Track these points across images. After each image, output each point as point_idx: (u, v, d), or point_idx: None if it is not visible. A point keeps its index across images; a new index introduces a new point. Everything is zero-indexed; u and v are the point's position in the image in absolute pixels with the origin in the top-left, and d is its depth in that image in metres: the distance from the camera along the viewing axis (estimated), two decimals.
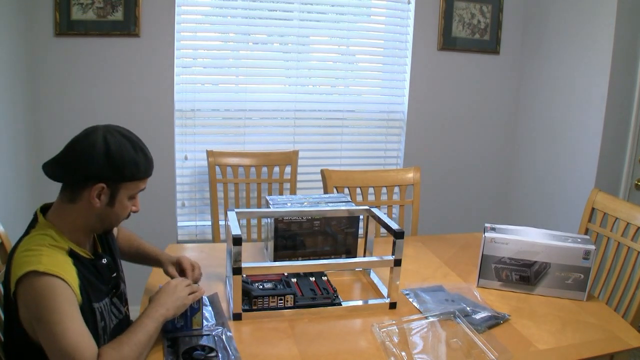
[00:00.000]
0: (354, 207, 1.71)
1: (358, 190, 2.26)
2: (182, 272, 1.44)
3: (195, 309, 1.26)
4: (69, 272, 1.10)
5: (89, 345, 1.04)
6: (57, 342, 1.02)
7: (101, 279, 1.23)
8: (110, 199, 1.17)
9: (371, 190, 2.31)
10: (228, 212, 1.50)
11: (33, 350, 1.10)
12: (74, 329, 1.03)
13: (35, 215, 1.19)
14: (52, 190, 1.25)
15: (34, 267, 1.04)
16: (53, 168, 1.15)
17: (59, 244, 1.13)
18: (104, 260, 1.26)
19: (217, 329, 1.27)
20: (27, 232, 1.16)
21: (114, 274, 1.29)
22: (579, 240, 1.58)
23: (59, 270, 1.07)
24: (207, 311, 1.36)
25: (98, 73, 2.48)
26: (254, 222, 2.58)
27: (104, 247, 1.32)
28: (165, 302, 1.20)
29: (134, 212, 1.26)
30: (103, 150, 1.13)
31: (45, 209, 1.20)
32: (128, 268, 1.55)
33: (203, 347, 1.18)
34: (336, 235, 1.72)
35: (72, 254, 1.14)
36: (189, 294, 1.25)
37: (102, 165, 1.13)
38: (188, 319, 1.25)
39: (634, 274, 1.69)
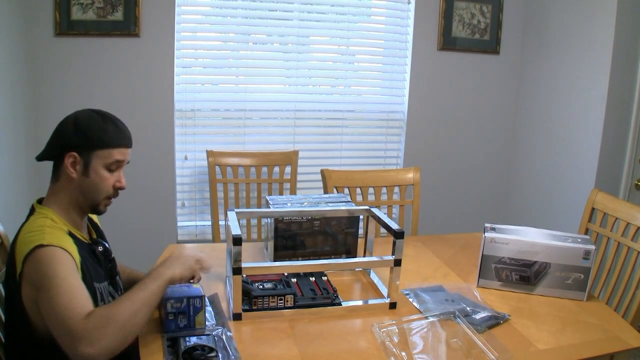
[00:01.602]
0: (354, 207, 1.71)
1: (358, 190, 2.26)
2: None
3: (197, 307, 1.26)
4: (71, 247, 1.13)
5: (81, 304, 1.03)
6: (50, 306, 1.03)
7: (99, 263, 1.26)
8: (85, 168, 1.21)
9: (371, 190, 2.31)
10: (228, 212, 1.50)
11: (33, 345, 1.10)
12: (69, 290, 1.04)
13: (32, 206, 1.24)
14: None
15: (39, 242, 1.08)
16: (41, 152, 1.24)
17: (59, 225, 1.17)
18: (100, 248, 1.29)
19: (217, 329, 1.27)
20: (26, 221, 1.20)
21: (110, 262, 1.32)
22: (579, 240, 1.58)
23: (61, 243, 1.10)
24: (207, 311, 1.36)
25: (98, 73, 2.48)
26: (254, 222, 2.58)
27: (98, 236, 1.36)
28: (171, 264, 1.20)
29: (119, 187, 1.28)
30: (72, 121, 1.22)
31: (41, 201, 1.25)
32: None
33: (203, 347, 1.18)
34: (336, 235, 1.72)
35: (71, 234, 1.19)
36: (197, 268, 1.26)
37: (71, 134, 1.20)
38: (191, 318, 1.25)
39: (634, 274, 1.69)
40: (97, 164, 1.22)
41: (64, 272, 1.06)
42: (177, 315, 1.23)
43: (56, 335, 1.02)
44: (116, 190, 1.28)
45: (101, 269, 1.26)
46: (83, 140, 1.20)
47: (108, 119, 1.24)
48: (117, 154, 1.25)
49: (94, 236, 1.34)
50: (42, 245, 1.07)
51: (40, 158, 1.24)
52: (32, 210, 1.23)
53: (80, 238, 1.23)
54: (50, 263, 1.06)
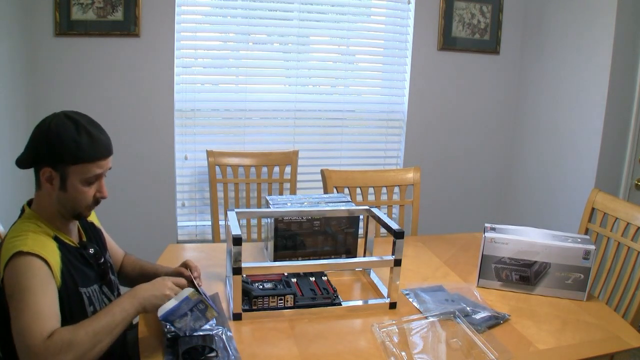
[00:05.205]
0: (354, 207, 1.71)
1: (358, 190, 2.26)
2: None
3: (203, 309, 1.26)
4: (52, 255, 1.12)
5: (44, 324, 1.01)
6: (15, 319, 1.02)
7: (88, 266, 1.24)
8: (62, 183, 1.16)
9: (371, 190, 2.31)
10: (228, 212, 1.50)
11: None
12: (33, 308, 1.02)
13: (23, 208, 1.23)
14: None
15: (20, 249, 1.07)
16: (20, 155, 1.19)
17: (45, 230, 1.16)
18: (91, 250, 1.28)
19: (217, 329, 1.27)
20: (15, 223, 1.20)
21: (101, 262, 1.30)
22: (579, 240, 1.58)
23: (41, 250, 1.09)
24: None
25: (98, 73, 2.48)
26: (254, 222, 2.58)
27: (90, 238, 1.34)
28: (141, 294, 1.15)
29: (101, 197, 1.23)
30: (44, 132, 1.14)
31: (31, 203, 1.24)
32: None
33: (203, 347, 1.18)
34: (336, 235, 1.72)
35: (57, 239, 1.17)
36: (171, 294, 1.19)
37: (43, 148, 1.13)
38: (202, 319, 1.25)
39: (634, 274, 1.69)
40: (74, 179, 1.16)
41: (35, 286, 1.05)
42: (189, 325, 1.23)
43: (17, 349, 1.01)
44: (97, 199, 1.23)
45: (91, 272, 1.24)
46: (56, 156, 1.13)
47: (82, 129, 1.15)
48: (95, 167, 1.17)
49: (84, 239, 1.31)
50: (21, 253, 1.06)
51: (20, 164, 1.18)
52: (22, 212, 1.22)
53: (68, 242, 1.21)
54: (24, 274, 1.05)
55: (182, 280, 1.25)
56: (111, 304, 1.13)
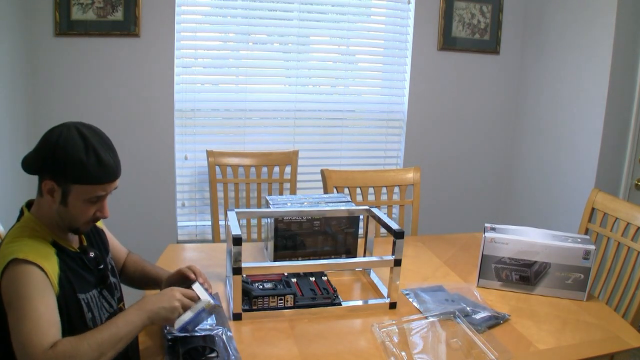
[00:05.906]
0: (354, 207, 1.71)
1: (358, 190, 2.26)
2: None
3: (207, 314, 1.26)
4: (49, 261, 1.10)
5: (45, 334, 1.00)
6: (15, 328, 1.01)
7: (88, 271, 1.23)
8: (63, 197, 1.13)
9: (371, 190, 2.31)
10: (228, 212, 1.50)
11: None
12: (34, 316, 1.01)
13: (22, 210, 1.21)
14: None
15: (15, 255, 1.06)
16: (26, 157, 1.16)
17: (42, 234, 1.15)
18: (92, 254, 1.26)
19: (217, 329, 1.27)
20: (14, 225, 1.18)
21: (101, 267, 1.28)
22: (579, 240, 1.58)
23: (38, 258, 1.07)
24: (206, 312, 1.35)
25: (98, 73, 2.48)
26: (254, 222, 2.58)
27: (91, 241, 1.32)
28: (149, 307, 1.12)
29: (101, 217, 1.21)
30: (52, 144, 1.10)
31: (30, 204, 1.22)
32: None
33: (204, 348, 1.18)
34: (336, 235, 1.72)
35: (55, 244, 1.16)
36: (180, 306, 1.15)
37: (47, 160, 1.11)
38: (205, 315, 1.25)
39: (634, 274, 1.69)
40: (75, 196, 1.13)
41: (33, 294, 1.03)
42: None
43: (17, 358, 1.00)
44: (97, 217, 1.21)
45: (90, 276, 1.23)
46: (60, 172, 1.10)
47: (91, 149, 1.11)
48: (99, 190, 1.15)
49: (84, 242, 1.29)
50: (17, 260, 1.05)
51: (25, 168, 1.15)
52: (21, 214, 1.20)
53: (66, 247, 1.19)
54: (22, 282, 1.04)
55: (192, 293, 1.21)
56: (117, 316, 1.10)
